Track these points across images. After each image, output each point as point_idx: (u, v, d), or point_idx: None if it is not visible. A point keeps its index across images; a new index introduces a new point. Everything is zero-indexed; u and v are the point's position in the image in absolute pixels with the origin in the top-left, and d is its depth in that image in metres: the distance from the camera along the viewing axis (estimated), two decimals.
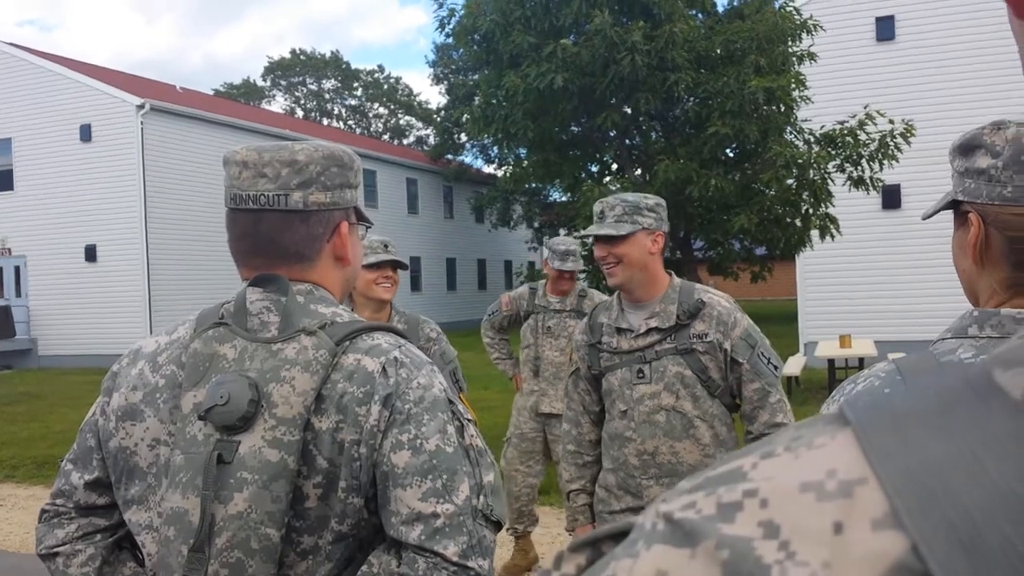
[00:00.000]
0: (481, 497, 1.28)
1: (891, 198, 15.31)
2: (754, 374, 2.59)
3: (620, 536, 0.34)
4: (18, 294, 22.36)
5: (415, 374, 1.33)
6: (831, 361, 11.18)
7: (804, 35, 12.23)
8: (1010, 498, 0.24)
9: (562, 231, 17.68)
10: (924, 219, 1.34)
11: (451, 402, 1.35)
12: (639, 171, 13.13)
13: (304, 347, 1.29)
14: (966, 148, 1.16)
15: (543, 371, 5.01)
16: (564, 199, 17.28)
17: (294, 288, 1.38)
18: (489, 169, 34.97)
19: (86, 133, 21.34)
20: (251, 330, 1.34)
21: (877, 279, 15.58)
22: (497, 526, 1.31)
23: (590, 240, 2.73)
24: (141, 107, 20.78)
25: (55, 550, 1.43)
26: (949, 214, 1.25)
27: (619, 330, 2.69)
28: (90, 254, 21.38)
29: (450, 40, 14.86)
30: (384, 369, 1.30)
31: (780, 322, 19.79)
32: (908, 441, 0.27)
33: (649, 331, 2.63)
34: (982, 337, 1.09)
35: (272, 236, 1.39)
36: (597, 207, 2.66)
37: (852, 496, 0.27)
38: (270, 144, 1.43)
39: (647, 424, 2.62)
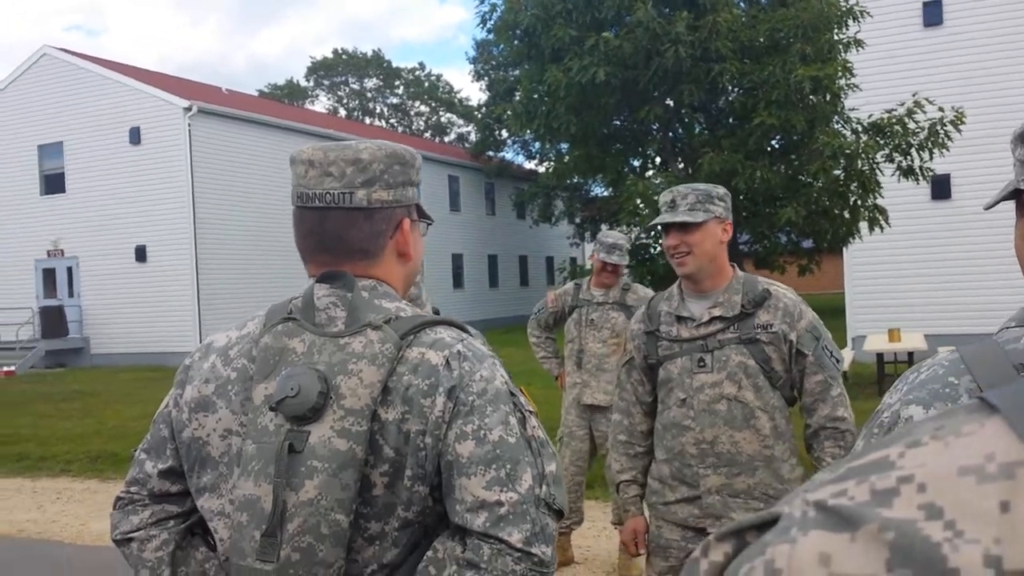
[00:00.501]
0: (543, 486, 1.31)
1: (941, 188, 15.02)
2: (818, 366, 2.58)
3: (763, 526, 0.35)
4: (71, 294, 22.91)
5: (478, 367, 1.36)
6: (880, 355, 11.02)
7: (850, 22, 12.03)
8: None
9: (604, 226, 17.59)
10: (986, 209, 1.33)
11: (513, 394, 1.37)
12: (682, 164, 13.04)
13: (370, 341, 1.32)
14: None
15: (586, 363, 5.07)
16: (606, 194, 17.24)
17: (359, 284, 1.41)
18: (530, 165, 34.99)
19: (135, 136, 21.78)
20: (319, 325, 1.37)
21: (927, 271, 15.31)
22: (559, 514, 1.33)
23: (651, 233, 2.73)
24: (188, 109, 21.16)
25: (130, 535, 1.47)
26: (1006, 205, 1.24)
27: (679, 318, 2.68)
28: (140, 254, 21.83)
29: (491, 36, 14.89)
30: (448, 362, 1.33)
31: (827, 316, 19.36)
32: None
33: (712, 320, 2.63)
34: None
35: (338, 233, 1.43)
36: (667, 196, 2.66)
37: (1015, 477, 0.28)
38: (334, 143, 1.47)
39: (707, 413, 2.61)
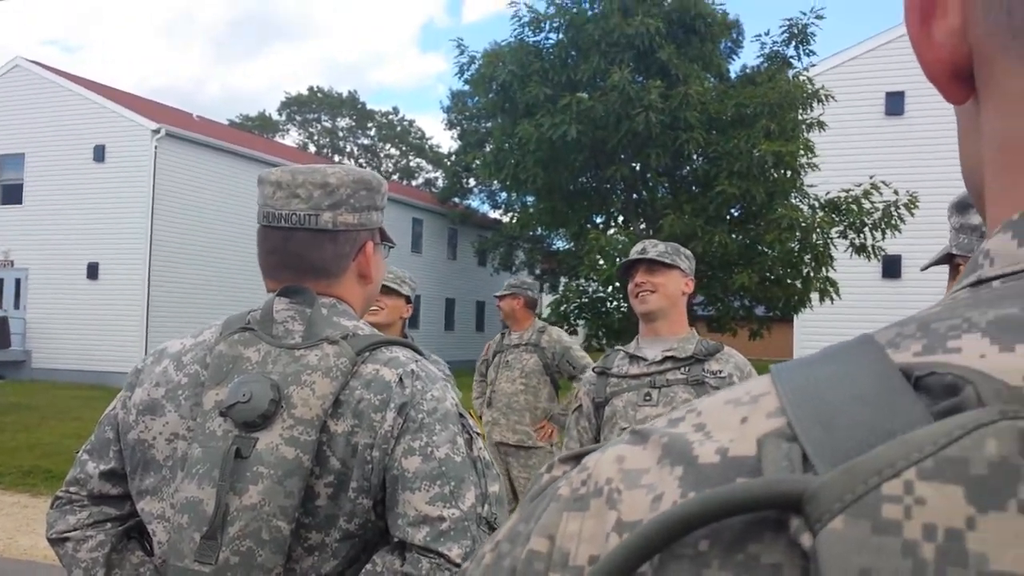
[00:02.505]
0: (486, 506, 1.33)
1: (892, 268, 15.43)
2: None
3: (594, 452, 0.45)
4: (16, 306, 22.38)
5: (429, 387, 1.39)
6: None
7: (815, 104, 12.44)
8: (863, 397, 0.34)
9: (563, 279, 17.75)
10: (922, 270, 1.42)
11: (461, 416, 1.41)
12: (644, 224, 13.25)
13: (326, 354, 1.35)
14: (962, 206, 1.24)
15: (496, 401, 5.21)
16: (567, 247, 17.40)
17: (319, 301, 1.44)
18: (495, 215, 35.22)
19: (100, 154, 21.53)
20: (276, 336, 1.39)
21: None
22: None
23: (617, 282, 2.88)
24: (157, 132, 20.99)
25: (65, 535, 1.46)
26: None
27: (632, 357, 2.79)
28: (92, 272, 21.45)
29: (467, 87, 15.09)
30: (401, 380, 1.36)
31: None
32: (803, 371, 0.38)
33: (664, 359, 2.73)
34: None
35: (301, 253, 1.46)
36: (638, 246, 2.87)
37: (757, 402, 0.37)
38: (303, 166, 1.52)
39: None
